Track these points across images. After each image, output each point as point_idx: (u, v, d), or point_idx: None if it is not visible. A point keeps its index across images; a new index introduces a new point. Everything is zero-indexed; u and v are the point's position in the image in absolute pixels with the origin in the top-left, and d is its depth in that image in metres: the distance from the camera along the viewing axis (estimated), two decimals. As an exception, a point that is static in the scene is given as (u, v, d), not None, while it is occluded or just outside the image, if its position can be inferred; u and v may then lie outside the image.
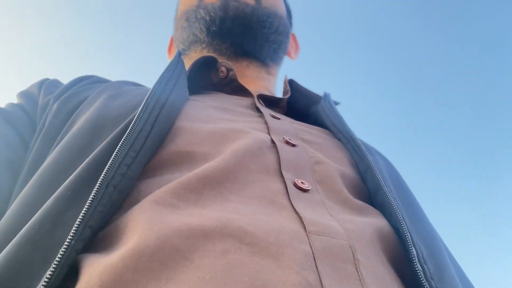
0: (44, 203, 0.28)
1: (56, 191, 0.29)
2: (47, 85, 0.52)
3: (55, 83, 0.53)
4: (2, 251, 0.26)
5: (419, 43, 2.14)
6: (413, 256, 0.30)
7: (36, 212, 0.27)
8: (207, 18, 0.56)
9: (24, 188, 0.34)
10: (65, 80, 0.53)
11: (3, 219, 0.31)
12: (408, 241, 0.31)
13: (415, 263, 0.29)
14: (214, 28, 0.56)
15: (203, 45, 0.58)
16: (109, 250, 0.25)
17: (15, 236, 0.26)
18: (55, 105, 0.45)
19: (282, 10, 0.65)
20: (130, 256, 0.23)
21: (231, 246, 0.24)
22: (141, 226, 0.25)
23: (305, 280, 0.23)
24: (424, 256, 0.31)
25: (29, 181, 0.34)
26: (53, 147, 0.39)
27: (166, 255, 0.23)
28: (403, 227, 0.32)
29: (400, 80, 2.18)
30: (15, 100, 0.51)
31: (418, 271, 0.29)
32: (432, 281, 0.29)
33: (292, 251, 0.25)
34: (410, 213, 0.37)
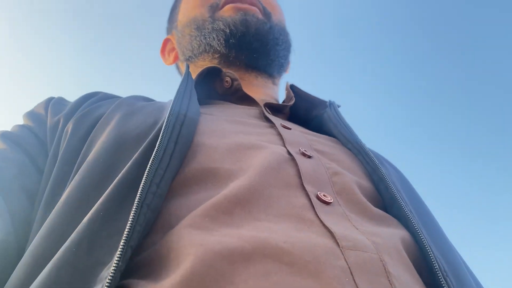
0: (74, 227, 0.29)
1: (85, 213, 0.29)
2: (54, 103, 0.51)
3: (61, 101, 0.53)
4: (39, 274, 0.26)
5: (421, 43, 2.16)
6: (436, 270, 0.31)
7: (67, 237, 0.28)
8: (227, 30, 0.57)
9: (48, 214, 0.34)
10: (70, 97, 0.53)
11: (30, 248, 0.32)
12: (430, 255, 0.32)
13: (439, 277, 0.30)
14: (233, 41, 0.57)
15: (215, 55, 0.59)
16: (157, 278, 0.26)
17: (47, 261, 0.27)
18: (69, 126, 0.45)
19: (285, 24, 0.67)
20: (180, 284, 0.24)
21: (271, 268, 0.25)
22: (184, 252, 0.26)
23: None
24: (446, 269, 0.32)
25: (54, 206, 0.34)
26: (74, 171, 0.39)
27: (213, 281, 0.24)
28: (423, 241, 0.33)
29: (404, 79, 2.19)
30: (21, 121, 0.51)
31: (443, 285, 0.30)
32: None
33: (330, 267, 0.26)
34: (426, 226, 0.38)
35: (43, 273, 0.26)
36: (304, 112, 0.59)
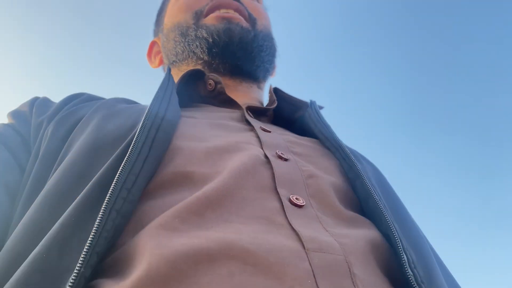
0: (48, 229, 0.29)
1: (59, 216, 0.30)
2: (39, 104, 0.52)
3: (46, 102, 0.53)
4: (10, 278, 0.26)
5: (417, 44, 2.19)
6: (404, 262, 0.31)
7: (41, 238, 0.28)
8: (210, 39, 0.58)
9: (25, 213, 0.34)
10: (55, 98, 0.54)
11: (6, 244, 0.32)
12: (399, 247, 0.32)
13: (406, 269, 0.31)
14: (216, 50, 0.58)
15: (199, 61, 0.60)
16: (120, 276, 0.26)
17: (21, 262, 0.27)
18: (50, 127, 0.46)
19: (271, 28, 0.68)
20: (143, 283, 0.24)
21: (235, 268, 0.26)
22: (150, 251, 0.26)
23: None
24: (414, 261, 0.33)
25: (30, 206, 0.35)
26: (52, 171, 0.39)
27: (177, 280, 0.25)
28: (394, 234, 0.34)
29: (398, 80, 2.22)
30: (5, 120, 0.51)
31: (409, 276, 0.30)
32: (422, 285, 0.30)
33: (294, 269, 0.26)
34: (399, 219, 0.39)
35: (12, 279, 0.26)
36: (288, 114, 0.60)
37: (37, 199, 0.35)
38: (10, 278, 0.26)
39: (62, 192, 0.34)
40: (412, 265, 0.32)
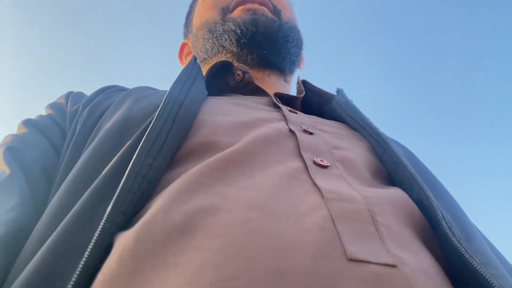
0: (79, 199, 0.30)
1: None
2: (74, 96, 0.55)
3: (80, 94, 0.56)
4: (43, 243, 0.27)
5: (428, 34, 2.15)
6: (440, 219, 0.30)
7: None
8: (238, 31, 0.59)
9: (58, 191, 0.36)
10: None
11: (40, 221, 0.33)
12: (434, 206, 0.31)
13: (443, 226, 0.29)
14: (244, 41, 0.60)
15: (228, 55, 0.62)
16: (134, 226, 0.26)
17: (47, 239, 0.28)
18: (84, 113, 0.48)
19: (296, 21, 0.69)
20: (155, 229, 0.25)
21: (252, 217, 0.26)
22: (168, 206, 0.27)
23: (323, 238, 0.24)
24: (451, 221, 0.31)
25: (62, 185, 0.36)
26: (83, 152, 0.41)
27: (192, 228, 0.25)
28: (428, 195, 0.32)
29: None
30: (43, 112, 0.54)
31: (448, 233, 0.29)
32: (462, 242, 0.29)
33: (311, 217, 0.26)
34: (432, 188, 0.37)
35: (48, 241, 0.27)
36: (317, 107, 0.59)
37: (67, 177, 0.36)
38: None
39: (92, 168, 0.35)
40: (449, 224, 0.30)
